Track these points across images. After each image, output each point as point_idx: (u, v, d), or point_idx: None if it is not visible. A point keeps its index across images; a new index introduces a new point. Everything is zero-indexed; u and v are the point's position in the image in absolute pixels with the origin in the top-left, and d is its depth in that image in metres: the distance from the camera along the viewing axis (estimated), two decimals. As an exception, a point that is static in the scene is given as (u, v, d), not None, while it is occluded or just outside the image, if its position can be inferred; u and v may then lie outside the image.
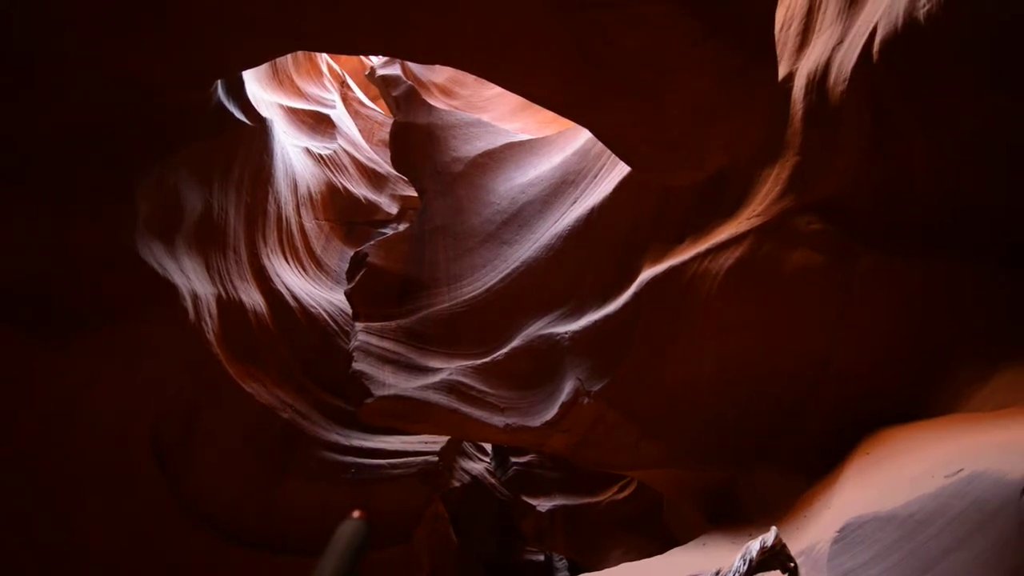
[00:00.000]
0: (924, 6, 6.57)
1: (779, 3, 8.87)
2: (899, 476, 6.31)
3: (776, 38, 8.79)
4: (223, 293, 12.44)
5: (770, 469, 9.19)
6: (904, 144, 7.52)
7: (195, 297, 11.37)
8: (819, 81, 8.28)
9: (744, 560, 6.41)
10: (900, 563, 5.20)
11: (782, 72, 8.82)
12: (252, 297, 13.41)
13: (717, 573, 6.74)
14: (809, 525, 7.34)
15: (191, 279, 11.53)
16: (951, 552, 4.77)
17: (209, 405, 11.70)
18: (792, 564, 6.37)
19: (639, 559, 9.76)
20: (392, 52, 8.55)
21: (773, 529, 6.75)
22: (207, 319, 11.69)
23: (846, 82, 7.82)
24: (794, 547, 6.66)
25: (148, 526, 10.84)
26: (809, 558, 6.42)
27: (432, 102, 17.31)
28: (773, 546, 6.47)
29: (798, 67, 8.80)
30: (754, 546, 6.49)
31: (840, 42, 8.06)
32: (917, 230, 7.73)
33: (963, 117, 6.87)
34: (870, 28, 7.39)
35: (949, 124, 7.02)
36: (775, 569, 6.40)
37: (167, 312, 10.78)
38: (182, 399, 11.36)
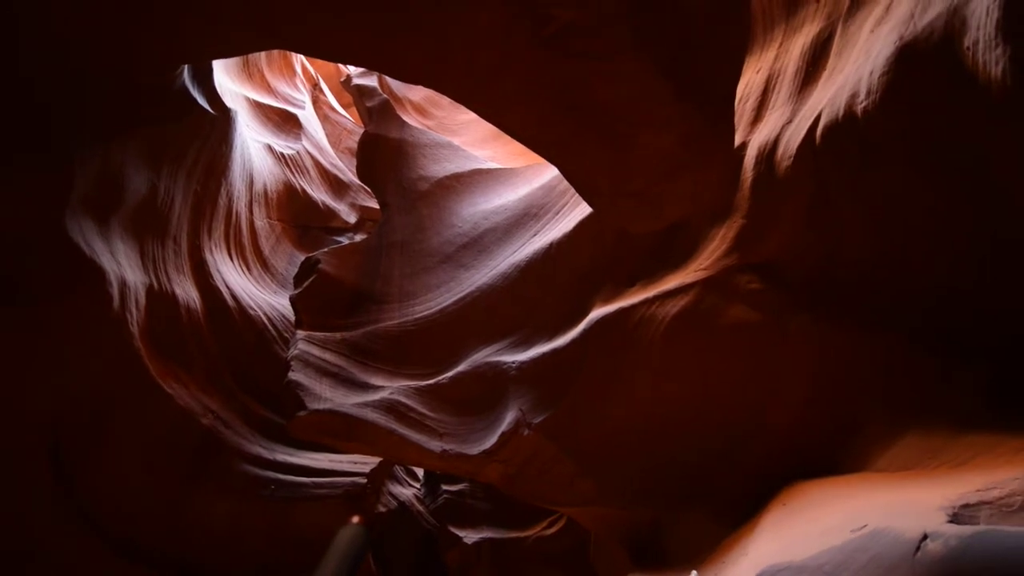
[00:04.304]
0: (862, 103, 7.41)
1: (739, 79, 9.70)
2: (812, 528, 6.71)
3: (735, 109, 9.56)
4: (155, 283, 11.64)
5: (694, 513, 9.49)
6: (838, 219, 8.30)
7: (123, 284, 10.56)
8: (768, 154, 9.04)
9: (665, 603, 6.52)
10: (808, 612, 5.47)
11: (737, 140, 9.58)
12: (187, 291, 12.62)
13: (638, 615, 6.80)
14: (727, 571, 7.59)
15: (121, 264, 10.73)
16: (853, 603, 5.08)
17: (122, 403, 10.74)
18: (709, 609, 6.55)
19: (562, 598, 9.70)
20: (376, 67, 8.58)
21: (693, 573, 6.94)
22: (133, 309, 10.85)
23: (791, 159, 8.59)
24: (713, 592, 6.85)
25: (38, 536, 9.60)
26: (726, 604, 6.64)
27: (405, 118, 17.38)
28: (693, 590, 6.64)
29: (751, 138, 9.59)
30: (676, 589, 6.63)
31: (789, 121, 8.89)
32: (846, 299, 8.45)
33: (890, 202, 7.69)
34: (816, 114, 8.21)
35: (878, 206, 7.83)
36: (694, 613, 6.55)
37: (88, 296, 9.94)
38: (91, 394, 10.36)
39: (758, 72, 10.04)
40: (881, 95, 7.15)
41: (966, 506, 5.29)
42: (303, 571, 11.84)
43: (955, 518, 5.17)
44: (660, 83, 7.24)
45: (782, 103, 9.26)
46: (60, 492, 9.88)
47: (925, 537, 4.79)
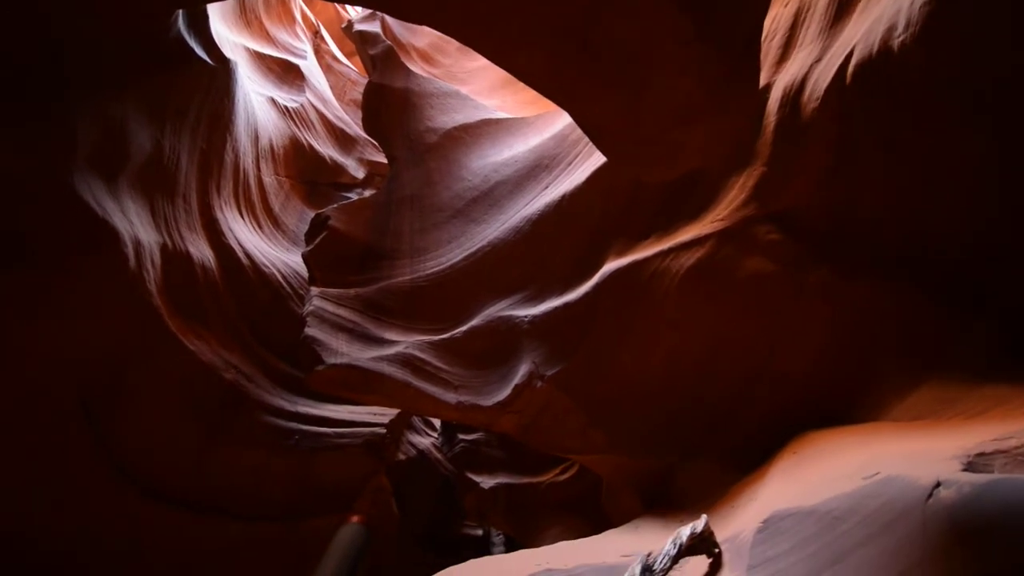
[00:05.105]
0: (899, 36, 6.87)
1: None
2: (822, 475, 6.81)
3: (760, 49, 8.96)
4: (169, 242, 11.70)
5: (706, 461, 9.69)
6: (863, 168, 7.91)
7: (137, 244, 10.62)
8: (794, 96, 8.54)
9: (674, 544, 6.76)
10: (815, 554, 5.64)
11: (761, 82, 9.04)
12: (201, 250, 12.69)
13: (648, 555, 7.08)
14: (736, 515, 7.83)
15: (134, 224, 10.75)
16: (861, 546, 5.21)
17: (146, 360, 11.07)
18: (717, 550, 6.79)
19: (575, 539, 10.12)
20: (375, 5, 8.11)
21: (703, 517, 7.14)
22: (149, 268, 10.97)
23: (818, 100, 8.11)
24: (721, 535, 7.08)
25: (72, 481, 10.24)
26: (733, 545, 6.87)
27: (411, 66, 16.71)
28: (702, 533, 6.86)
29: (776, 79, 9.04)
30: (684, 531, 6.86)
31: (818, 60, 8.33)
32: (865, 250, 8.20)
33: (919, 149, 7.29)
34: (848, 50, 7.66)
35: (905, 154, 7.43)
36: (702, 554, 6.79)
37: (105, 257, 10.02)
38: (116, 351, 10.68)
39: (786, 5, 9.34)
40: (921, 27, 6.62)
41: (981, 455, 5.29)
42: (324, 516, 12.62)
43: (969, 466, 5.17)
44: (678, 21, 6.74)
45: (811, 39, 8.65)
46: (95, 442, 10.42)
47: (938, 484, 4.80)
